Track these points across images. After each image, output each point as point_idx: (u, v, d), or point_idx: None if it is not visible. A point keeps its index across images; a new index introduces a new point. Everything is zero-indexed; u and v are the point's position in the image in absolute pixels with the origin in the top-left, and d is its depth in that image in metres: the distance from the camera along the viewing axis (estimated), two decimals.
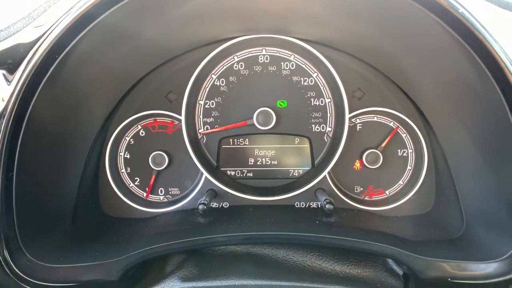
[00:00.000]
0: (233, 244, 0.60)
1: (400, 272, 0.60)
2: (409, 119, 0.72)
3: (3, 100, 0.46)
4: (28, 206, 0.54)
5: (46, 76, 0.48)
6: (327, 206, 0.67)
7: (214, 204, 0.73)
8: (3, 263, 0.52)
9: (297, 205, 0.73)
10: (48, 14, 0.47)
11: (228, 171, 0.77)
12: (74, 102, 0.58)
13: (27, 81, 0.46)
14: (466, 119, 0.58)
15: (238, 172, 0.77)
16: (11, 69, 0.46)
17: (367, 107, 0.73)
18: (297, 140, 0.76)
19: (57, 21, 0.46)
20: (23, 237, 0.53)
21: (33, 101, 0.48)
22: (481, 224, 0.59)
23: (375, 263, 0.62)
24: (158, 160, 0.75)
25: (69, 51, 0.48)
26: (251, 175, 0.77)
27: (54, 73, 0.48)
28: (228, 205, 0.73)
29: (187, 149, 0.73)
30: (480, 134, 0.56)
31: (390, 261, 0.61)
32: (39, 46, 0.46)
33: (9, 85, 0.46)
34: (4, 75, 0.45)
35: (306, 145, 0.76)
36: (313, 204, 0.73)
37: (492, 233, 0.56)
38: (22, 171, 0.52)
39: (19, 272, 0.53)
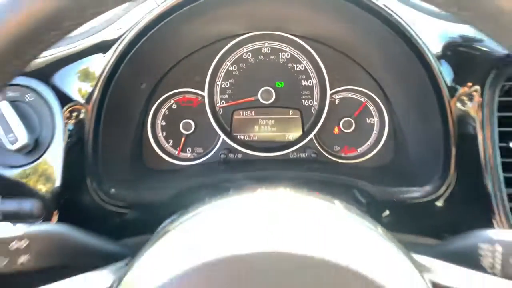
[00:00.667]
0: (246, 179, 0.84)
1: (364, 201, 0.85)
2: (374, 94, 0.96)
3: None
4: (106, 153, 0.78)
5: (128, 57, 0.72)
6: (312, 155, 0.92)
7: (231, 155, 0.98)
8: (93, 192, 0.76)
9: (291, 156, 0.98)
10: (127, 17, 0.71)
11: (238, 136, 1.00)
12: (137, 79, 0.82)
13: (115, 60, 0.70)
14: (407, 91, 0.82)
15: (246, 136, 1.01)
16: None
17: (343, 86, 0.97)
18: (291, 112, 1.00)
19: (135, 23, 0.70)
20: (104, 174, 0.77)
21: (118, 72, 0.72)
22: (420, 164, 0.83)
23: (347, 196, 0.86)
24: (186, 126, 0.98)
25: (142, 44, 0.72)
26: (256, 138, 1.01)
27: (133, 57, 0.72)
28: (241, 156, 0.98)
29: (208, 118, 0.97)
30: (416, 101, 0.81)
31: (357, 193, 0.86)
32: (122, 40, 0.71)
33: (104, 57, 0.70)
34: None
35: (297, 116, 1.00)
36: (303, 155, 0.98)
37: (425, 169, 0.80)
38: (105, 127, 0.76)
39: (104, 197, 0.77)
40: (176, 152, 0.99)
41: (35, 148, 0.71)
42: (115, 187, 0.77)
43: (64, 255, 0.54)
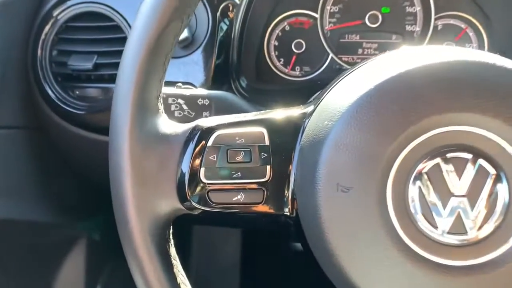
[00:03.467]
0: None
1: None
2: (476, 20, 1.03)
3: None
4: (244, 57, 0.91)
5: None
6: None
7: None
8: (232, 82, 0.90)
9: None
10: None
11: (343, 58, 1.10)
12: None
13: None
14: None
15: (350, 58, 1.10)
16: None
17: (446, 12, 1.05)
18: (394, 37, 1.08)
19: None
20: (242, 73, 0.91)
21: None
22: None
23: None
24: (297, 46, 1.09)
25: None
26: (359, 61, 1.10)
27: None
28: None
29: (319, 39, 1.07)
30: None
31: None
32: None
33: None
34: None
35: (399, 41, 1.08)
36: None
37: None
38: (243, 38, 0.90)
39: (239, 88, 0.90)
40: (287, 70, 1.10)
41: (192, 42, 0.84)
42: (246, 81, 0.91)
43: (229, 112, 0.66)
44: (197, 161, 0.48)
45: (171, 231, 0.51)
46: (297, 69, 1.13)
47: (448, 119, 0.43)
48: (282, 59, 1.13)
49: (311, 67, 1.13)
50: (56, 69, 0.89)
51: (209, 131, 0.49)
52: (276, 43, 1.12)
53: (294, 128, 0.51)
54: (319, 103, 0.52)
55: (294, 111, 0.53)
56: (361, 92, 0.46)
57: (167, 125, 0.49)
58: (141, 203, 0.46)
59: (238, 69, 0.89)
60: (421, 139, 0.43)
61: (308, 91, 0.98)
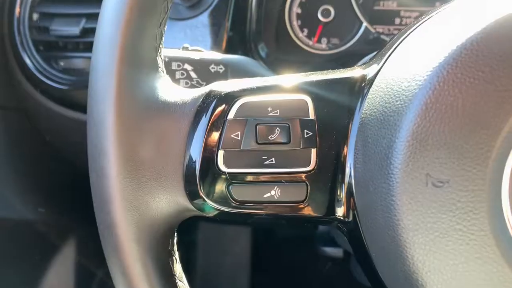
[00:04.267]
0: None
1: None
2: None
3: None
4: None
5: None
6: None
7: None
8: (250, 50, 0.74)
9: None
10: None
11: (377, 28, 0.94)
12: None
13: None
14: None
15: (386, 29, 0.94)
16: None
17: None
18: (437, 3, 0.92)
19: None
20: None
21: None
22: None
23: None
24: (325, 13, 0.93)
25: None
26: (396, 32, 0.94)
27: None
28: None
29: (350, 5, 0.91)
30: None
31: None
32: None
33: None
34: None
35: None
36: None
37: None
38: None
39: (256, 56, 0.76)
40: (311, 42, 0.94)
41: (201, 1, 0.68)
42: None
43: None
44: (213, 141, 0.34)
45: (175, 240, 0.37)
46: (324, 41, 0.97)
47: None
48: (305, 30, 0.97)
49: (340, 38, 0.97)
50: (37, 35, 0.75)
51: (231, 98, 0.35)
52: (299, 11, 0.96)
53: (350, 95, 0.36)
54: (387, 59, 0.36)
55: (350, 72, 0.38)
56: (460, 39, 0.31)
57: (170, 89, 0.36)
58: (132, 201, 0.32)
59: (256, 35, 0.73)
60: None
61: (344, 61, 0.84)
